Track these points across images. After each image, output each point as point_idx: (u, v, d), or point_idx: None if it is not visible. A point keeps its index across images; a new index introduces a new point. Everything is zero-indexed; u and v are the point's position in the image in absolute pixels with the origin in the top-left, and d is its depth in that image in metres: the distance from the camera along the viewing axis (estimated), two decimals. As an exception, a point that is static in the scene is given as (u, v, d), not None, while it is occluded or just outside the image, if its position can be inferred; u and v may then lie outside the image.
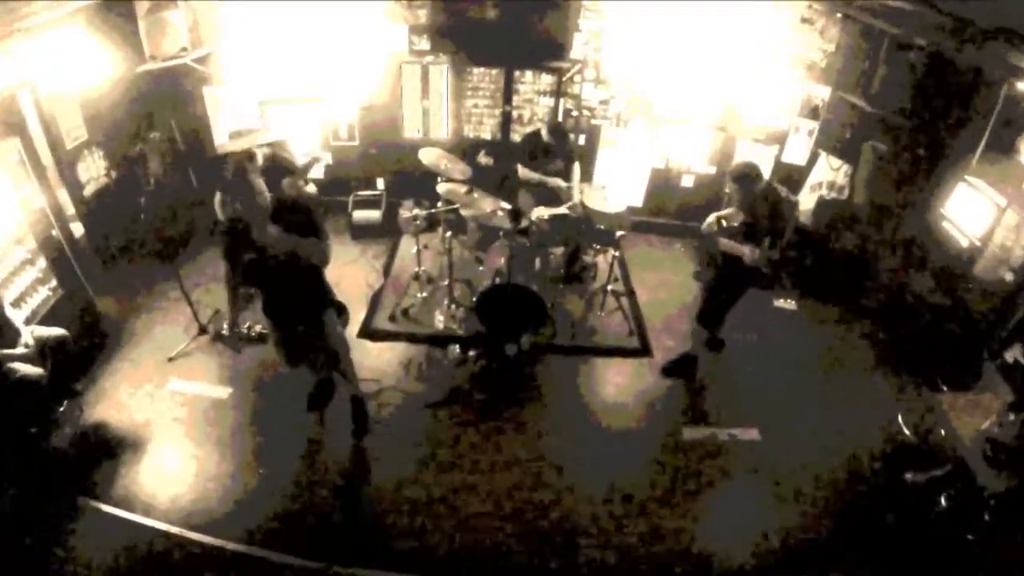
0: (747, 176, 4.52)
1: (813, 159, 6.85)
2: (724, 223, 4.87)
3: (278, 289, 4.09)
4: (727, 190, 4.77)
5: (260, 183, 4.06)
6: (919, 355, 5.61)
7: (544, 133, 6.09)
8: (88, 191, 5.85)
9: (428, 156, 5.82)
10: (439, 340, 5.86)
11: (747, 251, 4.59)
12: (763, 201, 4.56)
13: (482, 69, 7.04)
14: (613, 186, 6.61)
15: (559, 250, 6.29)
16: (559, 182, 6.15)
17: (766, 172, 6.81)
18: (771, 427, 5.19)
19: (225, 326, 4.74)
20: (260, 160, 5.01)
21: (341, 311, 4.50)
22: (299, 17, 6.41)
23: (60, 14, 4.98)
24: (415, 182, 6.95)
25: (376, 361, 5.60)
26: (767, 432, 5.15)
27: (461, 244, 6.48)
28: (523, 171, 6.23)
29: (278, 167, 5.24)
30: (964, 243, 5.25)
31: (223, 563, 3.99)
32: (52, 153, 5.43)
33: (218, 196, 5.23)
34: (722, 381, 5.64)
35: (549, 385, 5.53)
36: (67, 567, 3.88)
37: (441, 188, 5.62)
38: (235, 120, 6.70)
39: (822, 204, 6.75)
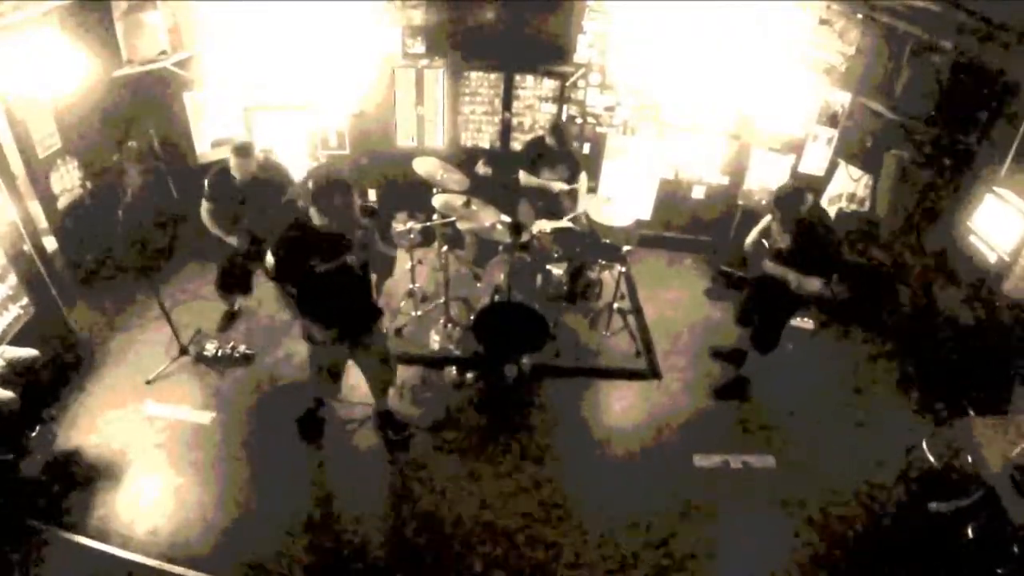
0: (789, 197, 4.63)
1: (832, 169, 6.92)
2: (766, 242, 4.99)
3: (335, 300, 4.16)
4: (770, 215, 4.90)
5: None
6: (945, 377, 5.70)
7: (547, 137, 6.21)
8: (62, 203, 5.94)
9: (423, 166, 5.91)
10: (435, 362, 5.94)
11: (791, 277, 4.74)
12: (810, 227, 4.66)
13: (480, 73, 7.14)
14: (620, 198, 6.69)
15: (562, 266, 6.34)
16: (563, 187, 6.27)
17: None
18: (788, 454, 5.28)
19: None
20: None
21: None
22: (286, 18, 6.49)
23: (31, 15, 5.07)
24: (409, 193, 7.03)
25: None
26: (783, 459, 5.24)
27: (458, 259, 6.58)
28: (525, 177, 6.37)
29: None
30: (992, 258, 5.31)
31: (205, 598, 4.06)
32: (23, 162, 5.51)
33: (205, 205, 5.36)
34: (735, 404, 5.74)
35: (551, 409, 5.60)
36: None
37: (437, 200, 5.69)
38: (218, 128, 6.84)
39: (842, 217, 6.82)
